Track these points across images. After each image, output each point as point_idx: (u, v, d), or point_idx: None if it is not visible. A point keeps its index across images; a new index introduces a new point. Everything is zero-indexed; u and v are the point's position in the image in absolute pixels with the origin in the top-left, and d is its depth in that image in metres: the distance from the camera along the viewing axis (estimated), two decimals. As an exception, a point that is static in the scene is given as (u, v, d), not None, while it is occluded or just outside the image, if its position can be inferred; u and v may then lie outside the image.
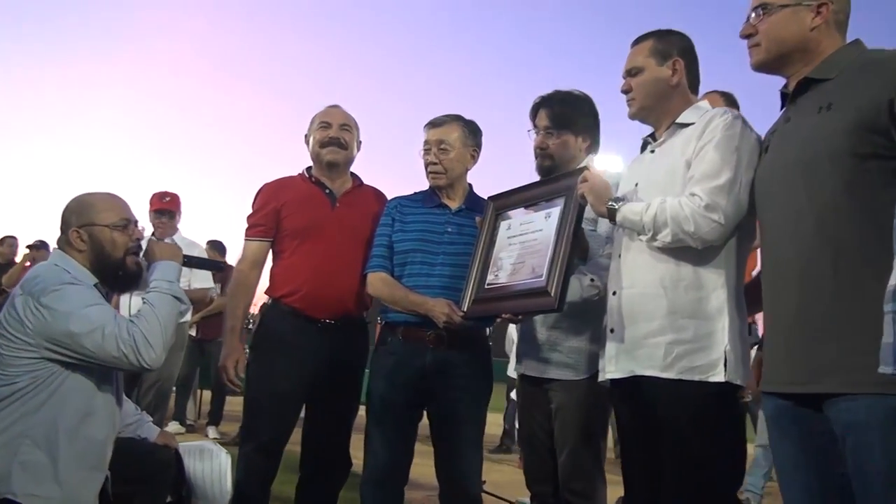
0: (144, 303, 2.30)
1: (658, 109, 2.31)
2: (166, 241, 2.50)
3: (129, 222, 2.43)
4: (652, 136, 2.39)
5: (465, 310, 2.63)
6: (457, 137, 2.85)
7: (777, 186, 1.88)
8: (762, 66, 1.98)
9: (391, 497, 2.78)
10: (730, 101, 3.37)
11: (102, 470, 2.35)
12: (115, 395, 2.39)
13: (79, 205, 2.41)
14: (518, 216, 2.60)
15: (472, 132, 2.90)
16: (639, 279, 2.19)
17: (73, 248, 2.37)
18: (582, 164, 2.70)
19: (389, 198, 3.12)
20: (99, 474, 2.34)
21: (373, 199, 3.14)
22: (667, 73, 2.28)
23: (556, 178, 2.53)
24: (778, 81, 2.01)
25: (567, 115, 2.71)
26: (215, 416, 6.99)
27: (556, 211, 2.41)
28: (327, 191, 3.04)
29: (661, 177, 2.21)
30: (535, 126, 2.77)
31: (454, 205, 2.89)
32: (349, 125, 3.04)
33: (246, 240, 3.03)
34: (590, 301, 2.49)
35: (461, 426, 2.75)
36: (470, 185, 2.96)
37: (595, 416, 2.63)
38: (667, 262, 2.14)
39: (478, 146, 2.92)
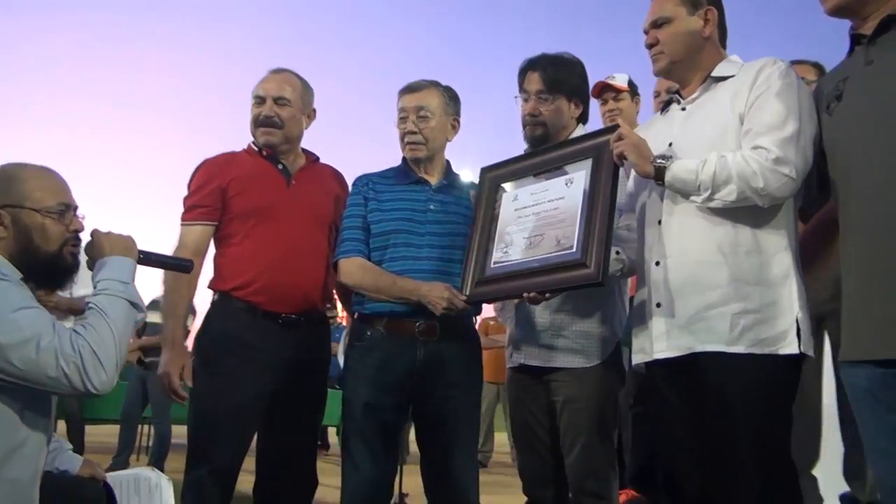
0: (90, 308, 1.76)
1: (688, 63, 2.12)
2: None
3: (67, 208, 1.88)
4: (677, 93, 2.20)
5: (468, 293, 2.30)
6: (437, 104, 2.52)
7: (869, 140, 1.72)
8: (839, 10, 1.83)
9: None
10: (821, 72, 3.24)
11: (32, 516, 1.80)
12: (45, 426, 1.83)
13: (5, 178, 1.84)
14: (525, 186, 2.32)
15: (453, 99, 2.58)
16: (691, 246, 1.97)
17: None
18: (576, 132, 2.48)
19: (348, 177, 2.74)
20: (28, 522, 1.78)
21: (330, 177, 2.75)
22: (698, 24, 2.10)
23: (573, 140, 2.27)
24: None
25: (561, 79, 2.46)
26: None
27: (580, 175, 2.15)
28: (280, 166, 2.60)
29: (705, 133, 2.01)
30: (523, 91, 2.50)
31: (434, 180, 2.56)
32: (286, 98, 2.59)
33: (183, 224, 2.52)
34: (610, 278, 2.24)
35: (456, 428, 2.40)
36: (448, 161, 2.63)
37: (609, 406, 2.38)
38: (723, 225, 1.94)
39: (458, 115, 2.60)
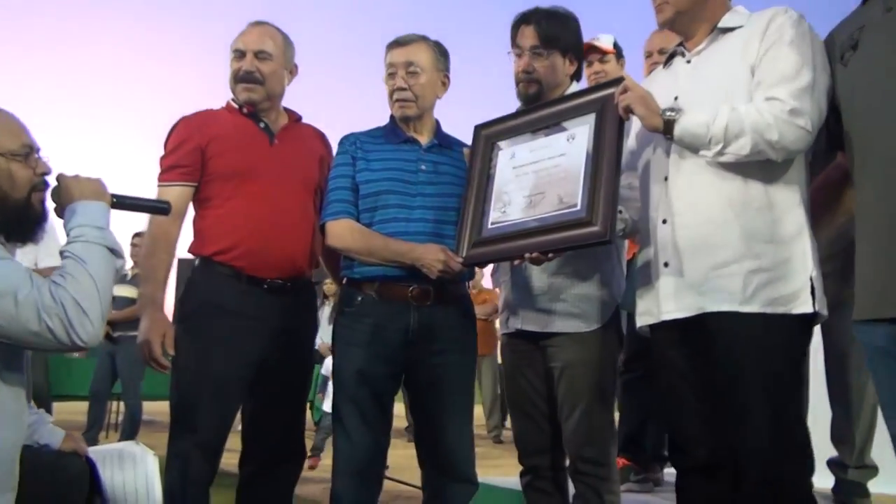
0: (67, 257, 1.64)
1: (694, 14, 2.03)
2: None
3: (31, 150, 1.74)
4: (681, 45, 2.12)
5: (465, 255, 2.21)
6: (427, 59, 2.41)
7: (891, 90, 1.65)
8: None
9: (373, 488, 2.30)
10: None
11: (11, 489, 1.68)
12: (23, 385, 1.71)
13: None
14: (523, 143, 2.22)
15: (443, 54, 2.47)
16: (700, 203, 1.89)
17: None
18: (570, 90, 2.38)
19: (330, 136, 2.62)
20: (7, 495, 1.66)
21: (314, 136, 2.62)
22: None
23: (575, 94, 2.18)
24: None
25: (556, 33, 2.35)
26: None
27: (582, 130, 2.06)
28: (262, 125, 2.47)
29: (713, 85, 1.93)
30: (516, 46, 2.39)
31: (424, 140, 2.45)
32: (267, 52, 2.44)
33: (161, 185, 2.38)
34: None
35: (452, 396, 2.32)
36: (437, 120, 2.52)
37: (609, 371, 2.31)
38: (733, 180, 1.86)
39: (448, 71, 2.49)
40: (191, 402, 2.25)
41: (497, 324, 6.45)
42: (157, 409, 8.30)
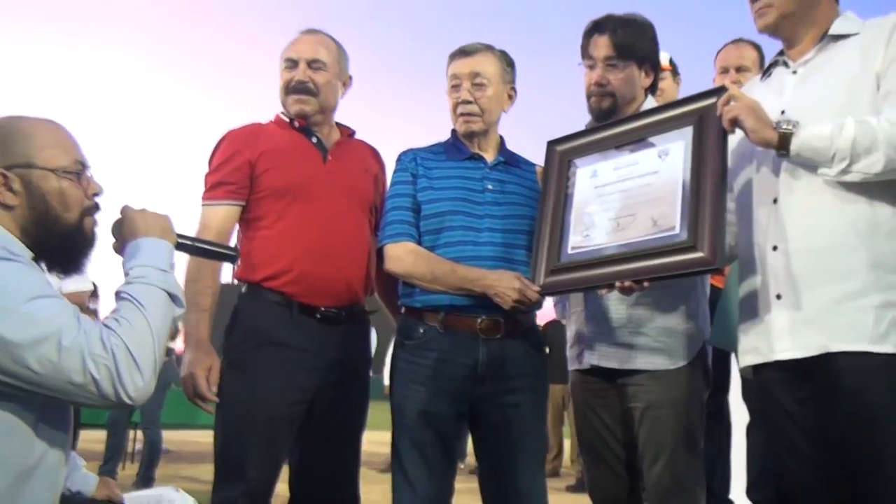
0: (123, 299, 1.43)
1: (801, 18, 1.84)
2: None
3: (83, 168, 1.55)
4: (781, 54, 1.92)
5: (542, 283, 2.01)
6: (494, 70, 2.22)
7: None
8: None
9: None
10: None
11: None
12: (63, 441, 1.51)
13: (5, 134, 1.49)
14: (605, 160, 2.02)
15: (510, 65, 2.29)
16: (819, 227, 1.68)
17: None
18: (645, 104, 2.19)
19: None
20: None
21: (368, 153, 2.43)
22: None
23: (664, 107, 1.98)
24: None
25: (632, 43, 2.16)
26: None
27: (677, 146, 1.86)
28: (314, 139, 2.28)
29: (829, 97, 1.73)
30: (588, 57, 2.19)
31: (489, 157, 2.26)
32: (322, 60, 2.26)
33: (206, 205, 2.19)
34: None
35: (525, 438, 2.10)
36: (501, 136, 2.33)
37: (697, 413, 2.09)
38: (857, 202, 1.65)
39: (514, 83, 2.30)
40: (238, 445, 2.04)
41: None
42: (177, 439, 8.13)
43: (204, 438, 8.89)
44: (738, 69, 3.02)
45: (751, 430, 2.90)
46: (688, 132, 1.85)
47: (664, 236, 1.79)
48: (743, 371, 1.87)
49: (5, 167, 1.45)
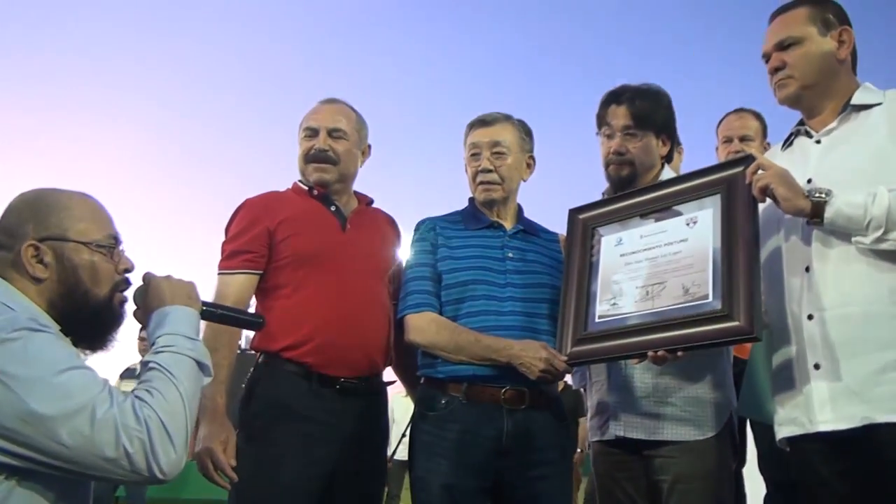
0: (153, 369, 1.37)
1: (822, 90, 1.87)
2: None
3: (116, 243, 1.52)
4: (801, 124, 1.95)
5: (569, 352, 1.97)
6: (513, 139, 2.24)
7: None
8: None
9: None
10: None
11: None
12: None
13: (40, 205, 1.46)
14: (631, 229, 2.02)
15: (528, 134, 2.30)
16: (855, 295, 1.67)
17: (23, 275, 1.41)
18: (663, 174, 2.20)
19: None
20: None
21: (384, 222, 2.42)
22: (832, 45, 1.86)
23: (688, 175, 1.99)
24: None
25: (649, 112, 2.19)
26: None
27: (706, 214, 1.86)
28: (333, 208, 2.27)
29: (856, 166, 1.74)
30: (607, 125, 2.22)
31: (508, 225, 2.25)
32: (342, 129, 2.27)
33: (223, 273, 2.15)
34: None
35: None
36: (519, 204, 2.33)
37: (727, 485, 2.04)
38: (893, 270, 1.65)
39: (532, 152, 2.32)
40: None
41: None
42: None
43: (188, 512, 8.63)
44: (742, 139, 3.06)
45: (768, 501, 2.83)
46: (717, 200, 1.85)
47: (698, 304, 1.77)
48: (779, 444, 1.83)
49: (39, 239, 1.42)
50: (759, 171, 1.75)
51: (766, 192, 1.72)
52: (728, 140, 3.02)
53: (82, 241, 1.44)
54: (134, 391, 1.33)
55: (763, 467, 2.80)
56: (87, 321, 1.46)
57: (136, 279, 1.54)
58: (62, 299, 1.42)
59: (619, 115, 2.19)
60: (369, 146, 2.39)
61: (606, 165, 2.22)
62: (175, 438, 1.29)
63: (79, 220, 1.46)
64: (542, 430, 2.05)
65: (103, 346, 1.52)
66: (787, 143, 1.98)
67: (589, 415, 2.27)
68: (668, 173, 2.23)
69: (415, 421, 2.13)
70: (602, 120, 2.24)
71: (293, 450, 1.99)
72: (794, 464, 1.80)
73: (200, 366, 1.43)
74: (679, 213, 1.93)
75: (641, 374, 2.08)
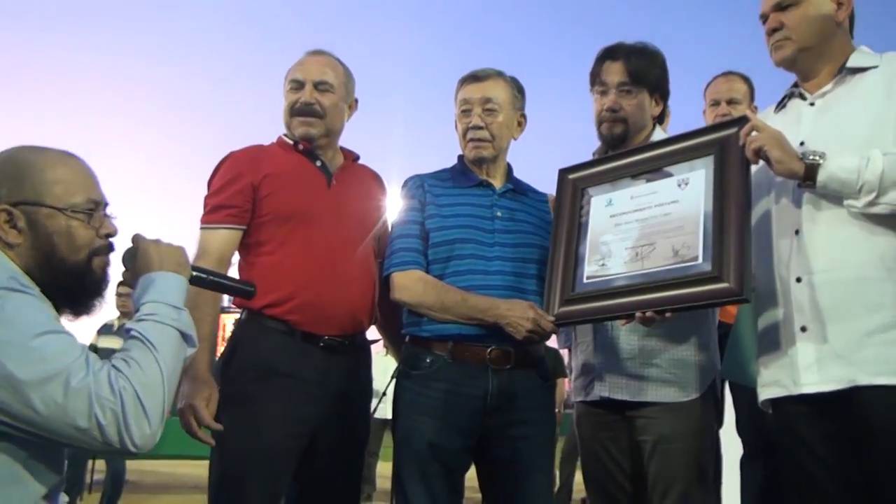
0: (134, 338, 1.34)
1: (818, 52, 1.85)
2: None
3: (97, 206, 1.46)
4: (795, 86, 1.93)
5: (556, 313, 1.96)
6: (505, 96, 2.19)
7: None
8: None
9: None
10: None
11: None
12: (56, 484, 1.40)
13: (15, 166, 1.39)
14: (621, 189, 2.00)
15: (520, 91, 2.26)
16: (845, 259, 1.67)
17: None
18: (654, 135, 2.18)
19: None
20: None
21: (371, 178, 2.37)
22: (831, 7, 1.83)
23: (684, 136, 1.96)
24: None
25: (644, 69, 2.16)
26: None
27: (698, 175, 1.85)
28: (319, 163, 2.22)
29: (852, 129, 1.73)
30: (601, 83, 2.18)
31: (497, 184, 2.22)
32: (329, 82, 2.21)
33: (206, 228, 2.10)
34: None
35: (534, 474, 2.04)
36: (509, 164, 2.30)
37: (709, 447, 2.06)
38: (885, 234, 1.65)
39: (524, 110, 2.28)
40: (236, 481, 1.94)
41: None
42: (138, 468, 7.84)
43: (165, 468, 8.63)
44: (729, 102, 3.04)
45: (745, 463, 2.88)
46: (709, 161, 1.83)
47: (687, 266, 1.76)
48: (761, 405, 1.84)
49: (12, 203, 1.36)
50: (753, 133, 1.73)
51: (759, 153, 1.71)
52: (716, 103, 3.00)
53: (58, 206, 1.38)
54: (112, 360, 1.30)
55: (741, 430, 2.84)
56: (67, 288, 1.41)
57: (123, 243, 1.49)
58: (38, 266, 1.37)
59: (615, 72, 2.16)
60: (356, 100, 2.33)
61: (599, 123, 2.19)
62: (150, 411, 1.26)
63: (56, 182, 1.39)
64: (526, 390, 2.05)
65: (86, 311, 1.47)
66: (781, 105, 1.96)
67: (573, 375, 2.27)
68: (659, 134, 2.21)
69: (399, 380, 2.12)
70: (596, 77, 2.20)
71: (276, 408, 1.97)
72: (777, 426, 1.81)
73: (184, 336, 1.39)
74: (670, 175, 1.91)
75: (627, 336, 2.08)
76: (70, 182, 1.42)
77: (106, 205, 1.48)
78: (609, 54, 2.18)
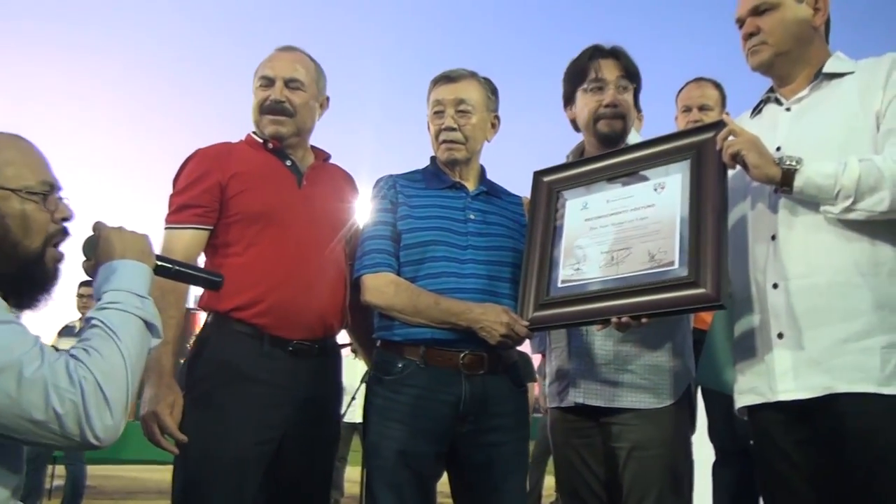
0: (94, 326, 1.28)
1: (795, 57, 1.85)
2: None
3: (52, 189, 1.40)
4: (771, 91, 1.92)
5: (530, 317, 1.93)
6: (478, 97, 2.16)
7: None
8: None
9: None
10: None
11: None
12: (18, 490, 1.34)
13: None
14: (596, 193, 1.97)
15: (494, 93, 2.23)
16: (820, 265, 1.66)
17: None
18: (631, 137, 2.16)
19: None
20: None
21: (342, 178, 2.32)
22: (808, 12, 1.83)
23: (658, 139, 1.94)
24: None
25: (635, 68, 2.15)
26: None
27: (674, 179, 1.83)
28: (289, 163, 2.16)
29: (825, 134, 1.72)
30: (596, 80, 2.12)
31: (471, 186, 2.18)
32: (300, 80, 2.15)
33: (170, 228, 2.04)
34: None
35: (508, 480, 2.00)
36: (482, 166, 2.26)
37: (683, 454, 2.04)
38: (859, 240, 1.64)
39: (497, 112, 2.24)
40: (202, 488, 1.87)
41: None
42: (99, 474, 7.67)
43: (128, 473, 8.47)
44: (701, 108, 3.06)
45: (717, 469, 2.87)
46: (685, 166, 1.81)
47: (663, 271, 1.74)
48: (738, 413, 1.83)
49: None
50: (731, 137, 1.72)
51: (736, 158, 1.69)
52: (687, 109, 3.01)
53: (10, 187, 1.33)
54: (70, 349, 1.24)
55: (713, 435, 2.84)
56: (15, 276, 1.34)
57: (82, 230, 1.43)
58: None
59: (612, 68, 2.12)
60: (327, 98, 2.28)
61: (595, 120, 2.11)
62: (112, 403, 1.21)
63: (7, 164, 1.34)
64: (499, 395, 2.01)
65: (32, 304, 1.40)
66: (757, 110, 1.95)
67: (547, 381, 2.24)
68: (634, 137, 2.20)
69: (370, 385, 2.07)
70: (586, 73, 2.14)
71: (243, 413, 1.91)
72: (753, 432, 1.79)
73: (149, 326, 1.34)
74: (647, 179, 1.89)
75: (602, 341, 2.05)
76: (22, 164, 1.36)
77: (59, 189, 1.41)
78: (601, 52, 2.15)
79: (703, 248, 1.69)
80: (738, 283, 1.82)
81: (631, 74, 2.11)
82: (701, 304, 1.68)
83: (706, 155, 1.78)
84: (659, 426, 1.99)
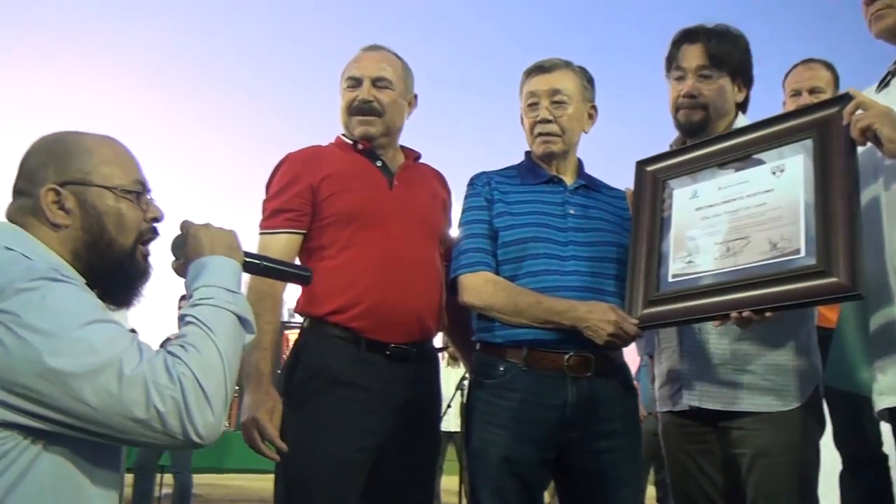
0: (190, 323, 1.25)
1: None
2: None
3: (144, 189, 1.40)
4: None
5: (640, 314, 1.81)
6: (574, 87, 2.06)
7: None
8: None
9: None
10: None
11: None
12: (116, 484, 1.33)
13: (60, 148, 1.34)
14: (707, 180, 1.84)
15: (589, 82, 2.12)
16: None
17: (43, 221, 1.30)
18: (737, 123, 2.01)
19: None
20: None
21: (433, 178, 2.27)
22: None
23: (771, 120, 1.79)
24: None
25: (726, 53, 1.99)
26: None
27: (795, 161, 1.68)
28: (379, 163, 2.12)
29: None
30: (677, 68, 2.02)
31: (569, 180, 2.08)
32: (387, 79, 2.11)
33: (265, 233, 2.03)
34: None
35: (618, 488, 1.89)
36: (580, 159, 2.16)
37: (813, 462, 1.88)
38: None
39: (594, 102, 2.14)
40: (303, 495, 1.84)
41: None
42: (205, 482, 7.90)
43: (233, 482, 8.68)
44: (812, 91, 2.85)
45: (845, 478, 2.65)
46: (807, 145, 1.66)
47: (787, 260, 1.59)
48: (878, 415, 1.66)
49: (60, 183, 1.30)
50: (859, 111, 1.56)
51: (867, 133, 1.54)
52: (797, 93, 2.82)
53: (107, 185, 1.32)
54: (167, 346, 1.21)
55: (839, 442, 2.62)
56: (112, 273, 1.34)
57: (169, 230, 1.42)
58: (86, 248, 1.31)
59: (693, 55, 2.00)
60: (416, 96, 2.23)
61: (676, 110, 2.02)
62: (212, 399, 1.17)
63: (103, 163, 1.34)
64: (608, 399, 1.90)
65: (128, 301, 1.40)
66: (884, 83, 1.78)
67: (658, 383, 2.11)
68: (742, 122, 2.05)
69: (470, 389, 2.00)
70: (672, 61, 2.05)
71: (342, 420, 1.87)
72: (897, 437, 1.62)
73: (242, 321, 1.30)
74: (762, 162, 1.75)
75: (717, 340, 1.91)
76: (116, 163, 1.36)
77: (150, 190, 1.41)
78: (687, 37, 2.03)
79: (834, 233, 1.54)
80: (872, 272, 1.65)
81: (719, 61, 1.96)
82: (834, 295, 1.53)
83: (831, 132, 1.63)
84: (785, 431, 1.84)
